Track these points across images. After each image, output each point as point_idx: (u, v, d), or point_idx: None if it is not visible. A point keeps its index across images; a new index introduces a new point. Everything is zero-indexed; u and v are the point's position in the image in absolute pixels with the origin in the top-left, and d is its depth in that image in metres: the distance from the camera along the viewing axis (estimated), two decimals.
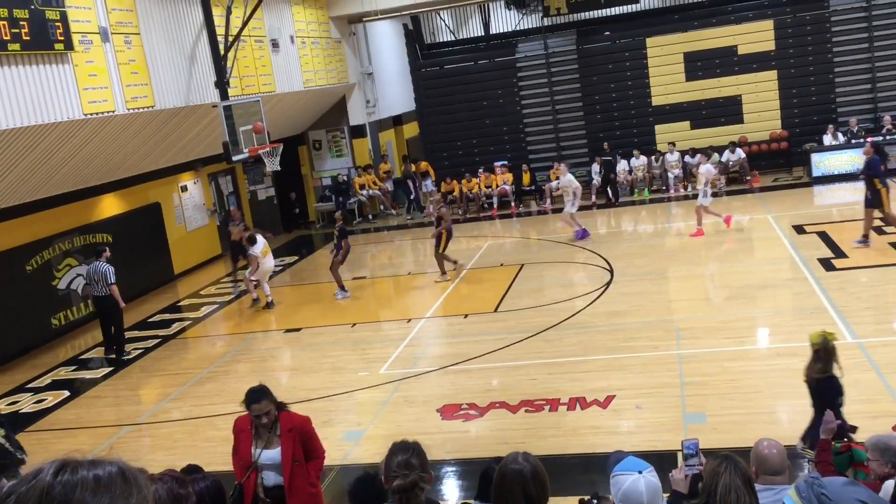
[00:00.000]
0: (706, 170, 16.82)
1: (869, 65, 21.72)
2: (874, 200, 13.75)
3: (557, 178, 22.06)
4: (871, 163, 13.99)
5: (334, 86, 22.19)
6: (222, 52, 15.42)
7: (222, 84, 15.35)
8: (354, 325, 13.66)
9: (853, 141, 20.42)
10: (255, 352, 13.16)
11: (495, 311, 13.46)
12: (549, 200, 21.93)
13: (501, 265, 16.48)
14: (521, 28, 25.71)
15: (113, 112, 13.00)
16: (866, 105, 21.78)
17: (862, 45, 21.71)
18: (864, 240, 14.02)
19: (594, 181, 21.83)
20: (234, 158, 15.31)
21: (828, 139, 20.69)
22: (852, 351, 9.67)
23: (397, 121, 26.48)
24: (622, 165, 21.96)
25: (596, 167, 21.88)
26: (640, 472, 3.46)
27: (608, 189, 21.47)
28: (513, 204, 22.40)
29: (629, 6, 23.57)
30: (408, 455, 3.73)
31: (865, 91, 21.84)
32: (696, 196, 17.11)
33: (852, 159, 19.85)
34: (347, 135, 23.96)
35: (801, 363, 9.46)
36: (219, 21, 15.49)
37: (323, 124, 23.98)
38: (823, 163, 20.28)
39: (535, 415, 9.15)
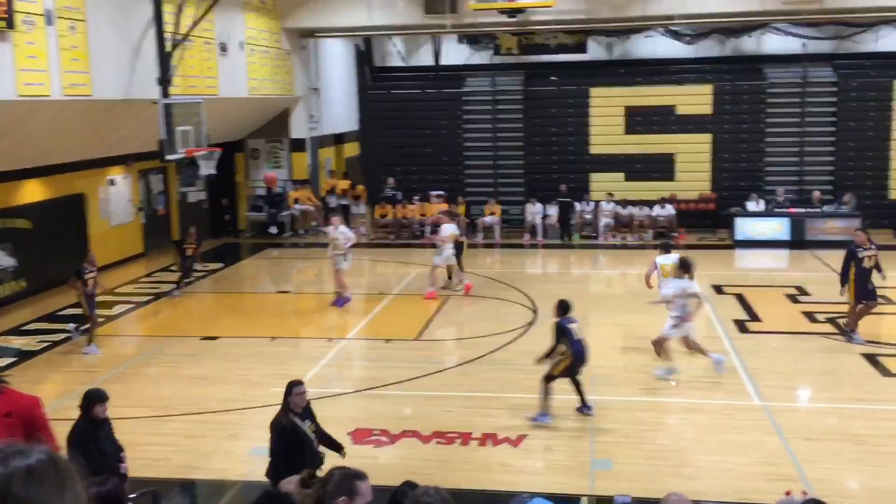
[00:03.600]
0: (450, 229, 16.05)
1: (799, 138, 22.64)
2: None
3: (492, 213, 22.34)
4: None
5: (279, 97, 22.03)
6: (169, 50, 15.17)
7: (165, 81, 15.08)
8: (274, 338, 13.46)
9: (776, 209, 21.20)
10: (168, 356, 12.81)
11: (417, 338, 13.44)
12: (480, 234, 22.12)
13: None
14: (471, 63, 26.03)
15: (48, 97, 12.63)
16: (793, 176, 22.66)
17: (794, 118, 22.64)
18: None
19: (530, 220, 22.17)
20: (168, 157, 15.02)
21: (752, 205, 21.43)
22: (758, 413, 9.96)
23: (339, 139, 26.42)
24: (581, 207, 22.28)
25: (537, 207, 22.17)
26: None
27: (565, 230, 21.94)
28: None
29: (578, 55, 24.10)
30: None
31: (793, 163, 22.74)
32: (627, 245, 17.44)
33: (775, 227, 20.63)
34: (287, 147, 23.77)
35: (711, 420, 9.75)
36: (169, 18, 15.26)
37: (263, 134, 23.75)
38: (746, 227, 20.97)
39: (446, 447, 9.14)
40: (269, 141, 23.88)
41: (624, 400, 10.46)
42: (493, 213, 22.42)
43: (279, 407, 7.25)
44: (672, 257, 12.27)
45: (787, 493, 5.28)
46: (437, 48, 26.62)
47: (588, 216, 22.30)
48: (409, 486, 4.59)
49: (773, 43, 24.33)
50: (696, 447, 9.11)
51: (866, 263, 12.35)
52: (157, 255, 19.89)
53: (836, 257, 18.42)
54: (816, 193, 21.63)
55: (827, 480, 8.05)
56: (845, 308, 13.07)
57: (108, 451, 6.91)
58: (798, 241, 20.51)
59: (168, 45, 15.15)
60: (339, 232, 15.14)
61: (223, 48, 18.54)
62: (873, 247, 12.43)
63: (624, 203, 22.00)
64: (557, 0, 19.22)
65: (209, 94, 17.62)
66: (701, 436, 9.36)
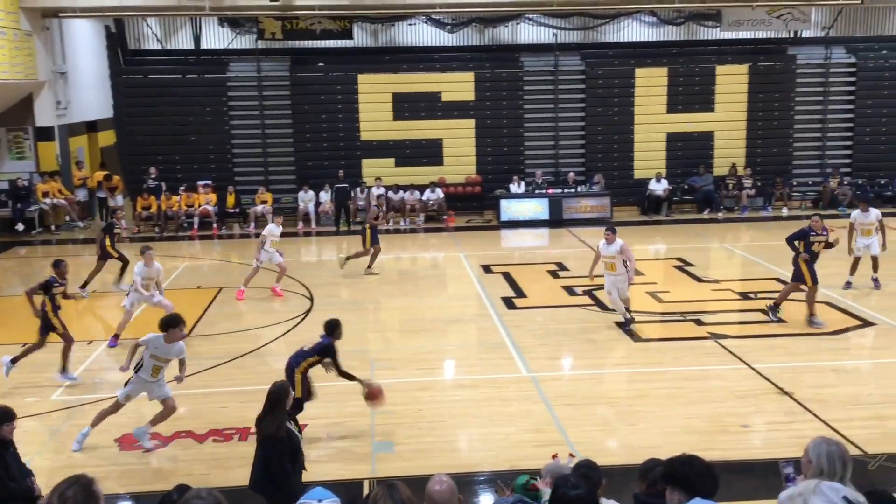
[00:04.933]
0: (269, 230, 15.51)
1: (553, 123, 24.08)
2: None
3: (263, 202, 21.83)
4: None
5: (20, 81, 20.12)
6: None
7: None
8: (25, 344, 12.33)
9: (536, 191, 22.47)
10: None
11: (188, 335, 12.86)
12: (253, 224, 21.58)
13: (198, 287, 15.86)
14: (235, 48, 25.22)
15: None
16: (550, 160, 24.08)
17: (548, 104, 24.03)
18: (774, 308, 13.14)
19: (302, 208, 21.94)
20: None
21: (514, 187, 22.55)
22: (526, 384, 10.52)
23: (91, 127, 24.62)
24: (356, 193, 22.26)
25: (309, 195, 21.98)
26: (319, 502, 3.47)
27: (341, 217, 21.86)
28: (214, 225, 21.73)
29: (343, 41, 24.07)
30: (74, 490, 3.42)
31: (550, 147, 24.16)
32: (399, 230, 17.62)
33: (535, 208, 21.87)
34: (32, 136, 21.81)
35: (482, 395, 10.16)
36: None
37: (4, 122, 21.63)
38: (510, 209, 22.05)
39: (223, 444, 8.85)
40: (10, 129, 21.80)
41: (402, 381, 10.65)
42: (264, 202, 21.93)
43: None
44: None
45: (554, 457, 5.61)
46: (196, 31, 25.51)
47: (361, 202, 22.42)
48: (180, 490, 4.37)
49: (528, 33, 25.66)
50: (470, 421, 9.46)
51: (816, 248, 12.82)
52: None
53: (591, 233, 19.95)
54: (571, 175, 23.17)
55: (589, 442, 8.66)
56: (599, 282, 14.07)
57: (16, 473, 6.28)
58: (556, 220, 21.88)
59: None
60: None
61: None
62: (825, 233, 12.97)
63: (395, 188, 22.35)
64: None
65: None
66: (473, 410, 9.74)
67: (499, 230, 21.74)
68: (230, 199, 22.27)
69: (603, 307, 13.85)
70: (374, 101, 23.52)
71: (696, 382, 10.43)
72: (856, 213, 15.11)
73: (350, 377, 9.01)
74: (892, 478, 7.85)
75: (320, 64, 24.22)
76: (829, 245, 12.92)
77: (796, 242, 12.89)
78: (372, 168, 23.30)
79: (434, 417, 9.54)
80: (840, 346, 11.83)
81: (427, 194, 22.54)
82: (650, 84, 23.76)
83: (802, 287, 12.85)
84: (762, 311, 13.30)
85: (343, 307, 14.33)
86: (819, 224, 12.88)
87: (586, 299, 14.53)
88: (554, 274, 16.67)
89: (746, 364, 10.98)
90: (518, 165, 23.71)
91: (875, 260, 14.80)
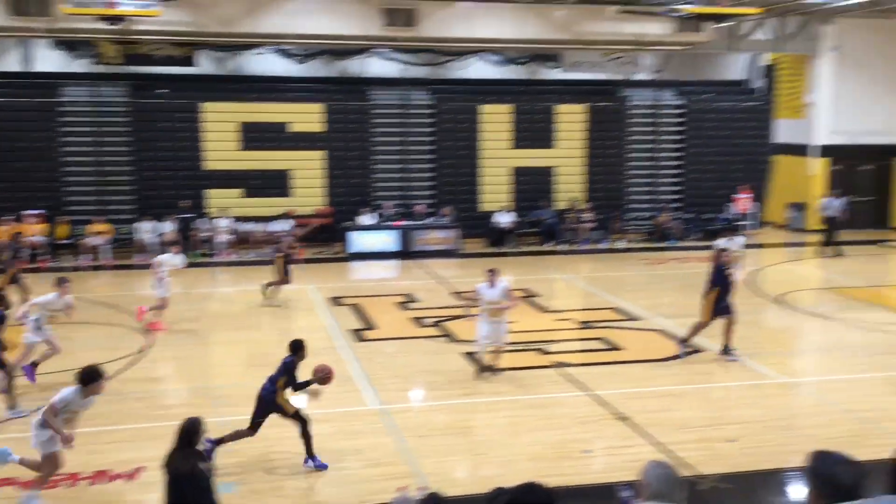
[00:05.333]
0: (165, 259, 15.22)
1: (402, 156, 24.34)
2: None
3: (99, 233, 20.76)
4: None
5: None
6: None
7: None
8: None
9: (386, 223, 22.59)
10: None
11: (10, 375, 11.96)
12: (89, 256, 20.49)
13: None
14: (69, 71, 24.02)
15: None
16: (399, 192, 24.27)
17: (397, 137, 24.27)
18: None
19: (142, 237, 21.07)
20: None
21: (363, 219, 22.56)
22: (375, 417, 10.46)
23: None
24: (198, 224, 21.51)
25: (150, 226, 21.14)
26: None
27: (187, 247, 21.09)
28: (42, 258, 20.45)
29: (186, 68, 23.41)
30: None
31: (398, 179, 24.36)
32: (243, 262, 17.24)
33: (385, 239, 21.96)
34: None
35: (331, 429, 10.01)
36: None
37: None
38: (359, 241, 22.01)
39: (48, 491, 8.26)
40: None
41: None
42: (99, 233, 20.87)
43: None
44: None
45: (400, 490, 5.59)
46: (27, 53, 24.11)
47: (205, 234, 21.75)
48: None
49: (376, 66, 25.90)
50: (319, 457, 9.28)
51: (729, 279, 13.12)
52: None
53: (441, 265, 20.24)
54: (420, 207, 23.44)
55: (438, 473, 8.69)
56: (456, 312, 14.25)
57: None
58: (405, 252, 22.04)
59: None
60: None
61: None
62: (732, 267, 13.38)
63: (242, 220, 21.85)
64: (164, 11, 18.49)
65: None
66: (323, 444, 9.54)
67: (348, 262, 21.64)
68: (62, 230, 21.06)
69: (451, 338, 14.00)
70: (220, 129, 22.98)
71: (541, 410, 10.71)
72: (722, 241, 15.87)
73: (304, 385, 9.09)
74: (721, 498, 8.32)
75: (162, 90, 23.43)
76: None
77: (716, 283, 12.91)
78: (218, 199, 22.69)
79: (282, 455, 9.30)
80: (672, 371, 12.47)
81: (275, 226, 22.15)
82: (496, 120, 24.49)
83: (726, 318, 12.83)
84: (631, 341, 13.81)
85: (185, 341, 13.81)
86: (728, 258, 13.33)
87: (435, 330, 14.66)
88: (403, 306, 16.74)
89: (587, 391, 11.38)
90: (368, 197, 23.76)
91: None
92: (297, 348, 9.20)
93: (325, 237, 23.05)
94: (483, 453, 9.40)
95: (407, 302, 17.02)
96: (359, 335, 14.40)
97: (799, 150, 26.19)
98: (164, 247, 19.49)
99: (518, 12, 21.59)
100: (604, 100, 25.58)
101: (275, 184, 23.31)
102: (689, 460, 8.99)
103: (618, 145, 25.34)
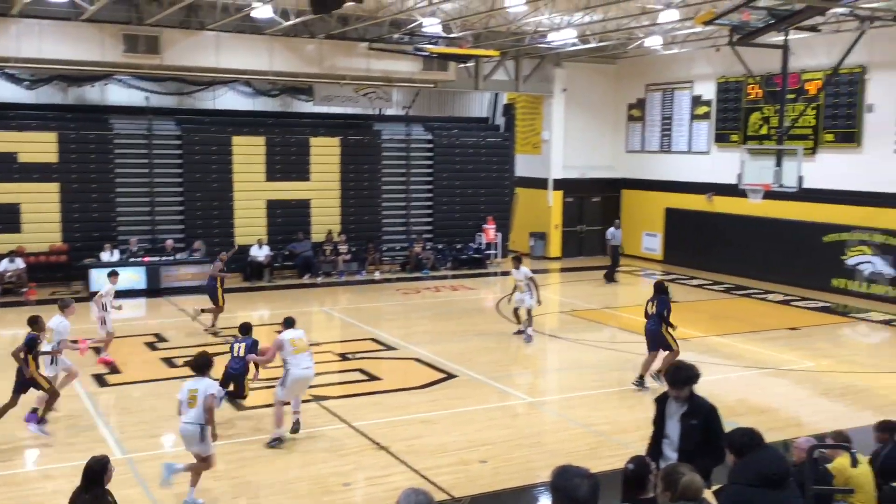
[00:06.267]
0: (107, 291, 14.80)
1: (149, 188, 23.16)
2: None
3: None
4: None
5: None
6: None
7: None
8: None
9: (131, 259, 21.35)
10: None
11: None
12: None
13: None
14: None
15: None
16: (146, 226, 23.05)
17: (143, 169, 23.08)
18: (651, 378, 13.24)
19: None
20: None
21: (106, 255, 21.17)
22: (121, 467, 9.77)
23: None
24: None
25: None
26: None
27: None
28: None
29: None
30: None
31: (145, 213, 23.14)
32: None
33: (131, 277, 20.69)
34: None
35: (71, 484, 9.21)
36: None
37: None
38: (102, 278, 20.53)
39: None
40: None
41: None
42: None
43: None
44: (300, 331, 10.85)
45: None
46: None
47: None
48: None
49: (118, 94, 24.54)
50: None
51: (649, 309, 13.07)
52: None
53: (193, 301, 19.42)
54: (169, 242, 22.40)
55: None
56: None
57: None
58: (154, 289, 20.94)
59: None
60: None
61: None
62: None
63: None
64: None
65: None
66: (62, 501, 8.79)
67: (89, 301, 20.12)
68: None
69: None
70: None
71: (301, 444, 10.56)
72: (512, 270, 16.57)
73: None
74: None
75: None
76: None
77: (665, 313, 13.05)
78: None
79: None
80: (427, 398, 12.82)
81: (4, 264, 20.18)
82: (248, 152, 24.03)
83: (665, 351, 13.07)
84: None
85: None
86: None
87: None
88: (152, 346, 15.88)
89: (346, 423, 11.40)
90: (111, 232, 22.33)
91: (528, 313, 16.38)
92: (249, 328, 12.06)
93: (61, 276, 21.32)
94: (238, 496, 9.09)
95: (156, 342, 16.16)
96: (100, 380, 13.44)
97: (538, 183, 28.19)
98: None
99: (268, 44, 21.43)
100: (358, 133, 26.00)
101: (3, 218, 21.27)
102: (445, 484, 9.27)
103: (372, 178, 25.81)
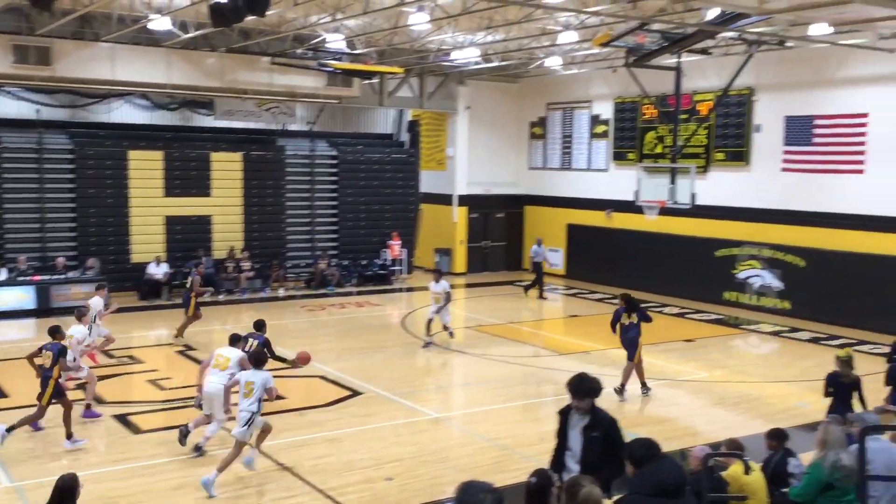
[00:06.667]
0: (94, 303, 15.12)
1: (39, 205, 22.21)
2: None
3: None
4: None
5: None
6: None
7: None
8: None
9: (20, 278, 20.44)
10: None
11: None
12: None
13: None
14: None
15: None
16: (35, 244, 22.09)
17: (33, 184, 22.15)
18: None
19: None
20: None
21: None
22: (9, 496, 9.32)
23: None
24: None
25: None
26: None
27: None
28: None
29: None
30: None
31: (35, 230, 22.18)
32: None
33: (20, 296, 19.83)
34: None
35: None
36: None
37: None
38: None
39: None
40: None
41: None
42: None
43: None
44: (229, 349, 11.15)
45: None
46: None
47: None
48: None
49: (7, 106, 23.50)
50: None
51: (625, 321, 13.79)
52: None
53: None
54: (60, 260, 21.53)
55: None
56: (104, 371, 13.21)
57: None
58: (44, 309, 20.08)
59: None
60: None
61: None
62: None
63: None
64: None
65: None
66: None
67: None
68: None
69: (99, 401, 12.97)
70: None
71: (200, 468, 10.27)
72: (431, 283, 17.36)
73: (282, 359, 12.44)
74: None
75: None
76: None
77: (618, 326, 13.95)
78: None
79: None
80: (333, 416, 12.70)
81: None
82: (145, 167, 23.35)
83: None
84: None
85: None
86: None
87: (79, 394, 13.46)
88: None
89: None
90: None
91: (442, 326, 17.30)
92: (262, 325, 12.88)
93: None
94: None
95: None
96: None
97: (443, 199, 28.38)
98: None
99: (166, 56, 20.92)
100: (260, 149, 25.63)
101: None
102: (351, 503, 9.17)
103: (276, 194, 25.46)
